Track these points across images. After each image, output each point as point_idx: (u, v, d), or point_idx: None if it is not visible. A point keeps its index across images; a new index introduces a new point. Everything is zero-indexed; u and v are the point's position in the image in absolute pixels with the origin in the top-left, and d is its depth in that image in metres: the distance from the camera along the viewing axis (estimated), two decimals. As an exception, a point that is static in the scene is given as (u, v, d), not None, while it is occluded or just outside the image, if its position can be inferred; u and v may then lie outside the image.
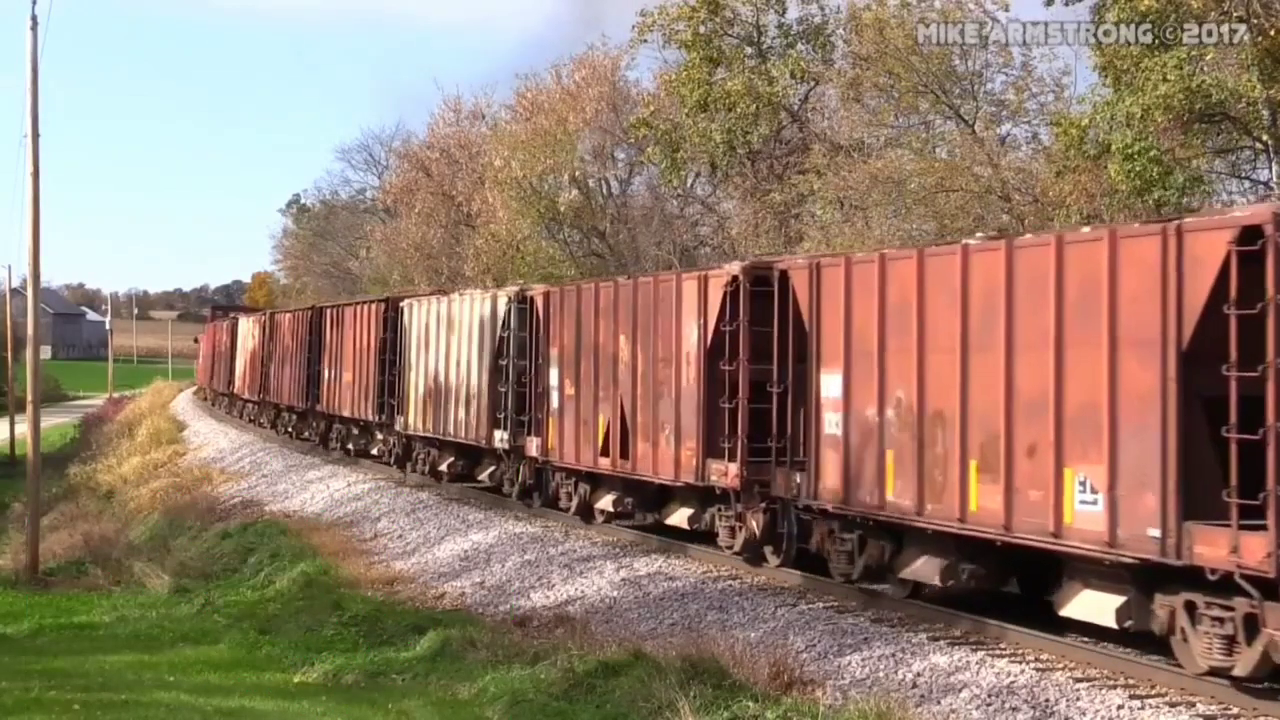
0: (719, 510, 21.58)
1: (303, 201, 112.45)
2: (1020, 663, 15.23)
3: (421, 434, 33.79)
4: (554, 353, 26.43)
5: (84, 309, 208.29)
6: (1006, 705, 14.03)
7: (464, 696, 16.51)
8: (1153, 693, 13.98)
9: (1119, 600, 14.74)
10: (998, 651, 15.81)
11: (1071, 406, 14.83)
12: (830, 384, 18.54)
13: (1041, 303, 15.22)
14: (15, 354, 77.93)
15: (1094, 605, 15.11)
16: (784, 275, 19.69)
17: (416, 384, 33.89)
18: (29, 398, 33.16)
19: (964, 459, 16.18)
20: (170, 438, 59.34)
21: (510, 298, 28.89)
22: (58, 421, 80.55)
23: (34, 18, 30.41)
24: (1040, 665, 15.15)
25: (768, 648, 16.40)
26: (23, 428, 43.97)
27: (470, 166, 57.57)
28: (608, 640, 17.80)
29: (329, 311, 44.17)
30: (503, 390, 28.72)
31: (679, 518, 22.97)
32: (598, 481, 25.66)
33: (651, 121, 42.80)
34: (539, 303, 27.33)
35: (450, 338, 31.81)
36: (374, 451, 38.92)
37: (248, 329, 59.78)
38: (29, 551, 29.38)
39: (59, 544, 31.58)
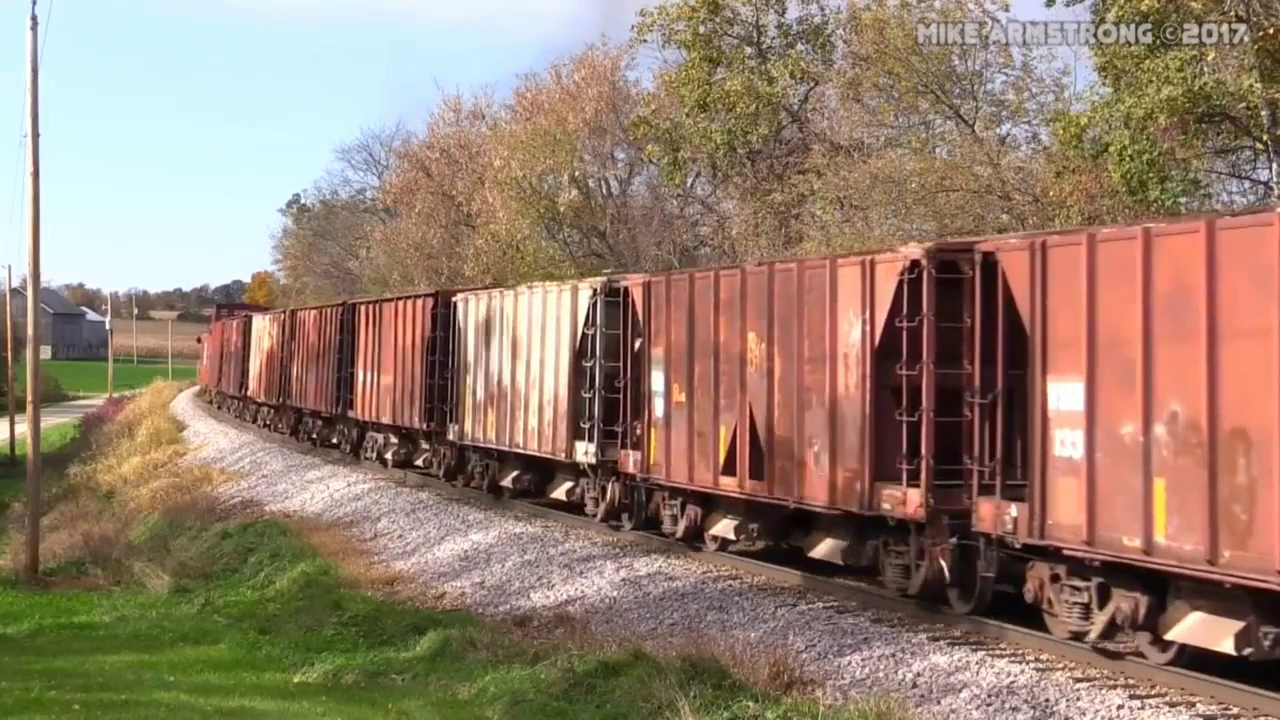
0: (886, 544, 18.09)
1: (303, 201, 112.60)
2: (1020, 663, 15.23)
3: (480, 444, 30.41)
4: (658, 353, 22.89)
5: (84, 309, 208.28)
6: (1006, 705, 14.03)
7: (464, 696, 16.51)
8: (1153, 693, 13.97)
9: None
10: (998, 651, 15.80)
11: None
12: (1063, 394, 14.92)
13: None
14: (15, 354, 77.89)
15: None
16: (989, 259, 16.17)
17: (474, 388, 30.57)
18: (29, 398, 33.13)
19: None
20: (170, 438, 59.31)
21: (596, 290, 25.50)
22: (58, 421, 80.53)
23: (34, 18, 30.38)
24: (1040, 665, 15.14)
25: (768, 648, 16.39)
26: (23, 428, 43.97)
27: (470, 166, 57.58)
28: (608, 640, 17.79)
29: (364, 308, 39.80)
30: (587, 396, 25.39)
31: (827, 550, 19.35)
32: (712, 504, 22.03)
33: (652, 120, 42.86)
34: (635, 295, 23.91)
35: (517, 336, 28.41)
36: (418, 463, 35.38)
37: (264, 328, 55.45)
38: (29, 551, 29.35)
39: (59, 544, 31.55)
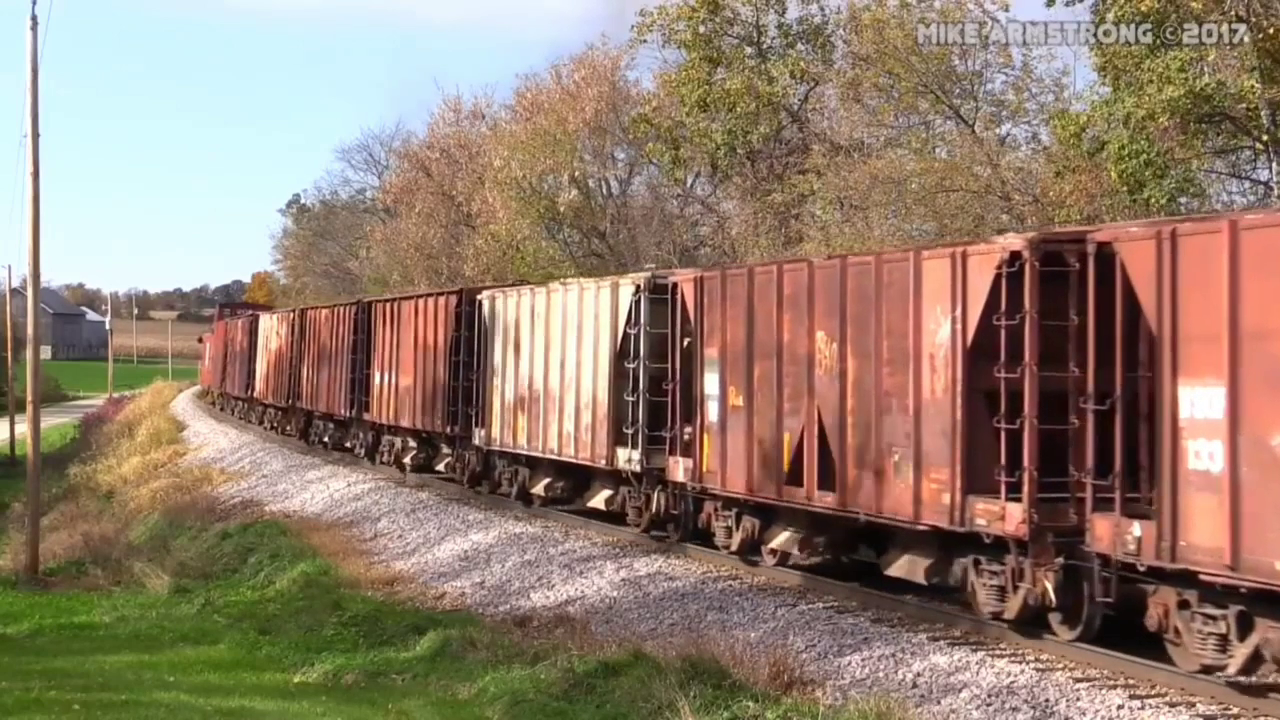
0: (978, 563, 16.53)
1: (303, 201, 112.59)
2: (1020, 663, 15.23)
3: (510, 450, 28.80)
4: (712, 353, 21.28)
5: (84, 309, 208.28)
6: (1006, 705, 14.03)
7: (464, 696, 16.51)
8: (1153, 693, 13.98)
9: None
10: (998, 651, 15.80)
11: None
12: (1198, 400, 13.46)
13: None
14: (15, 354, 77.92)
15: None
16: (1104, 250, 14.70)
17: (503, 391, 28.90)
18: (29, 398, 33.14)
19: None
20: (170, 438, 59.32)
21: (640, 286, 23.94)
22: (57, 421, 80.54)
23: (34, 18, 30.40)
24: (1040, 665, 15.14)
25: (768, 648, 16.40)
26: (23, 428, 43.97)
27: (470, 166, 57.63)
28: (608, 640, 17.79)
29: (381, 307, 38.02)
30: (630, 399, 23.83)
31: (905, 568, 17.86)
32: (771, 515, 20.48)
33: (652, 119, 42.89)
34: (685, 291, 22.21)
35: (551, 335, 26.84)
36: (439, 468, 33.76)
37: (271, 327, 53.45)
38: (29, 551, 29.35)
39: (59, 544, 31.57)
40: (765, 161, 41.14)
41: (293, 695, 17.34)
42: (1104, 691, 14.05)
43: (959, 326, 16.28)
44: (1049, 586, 15.34)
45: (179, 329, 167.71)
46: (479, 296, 30.75)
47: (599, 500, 25.74)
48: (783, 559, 20.49)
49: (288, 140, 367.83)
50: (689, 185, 47.96)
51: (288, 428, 50.24)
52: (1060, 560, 15.30)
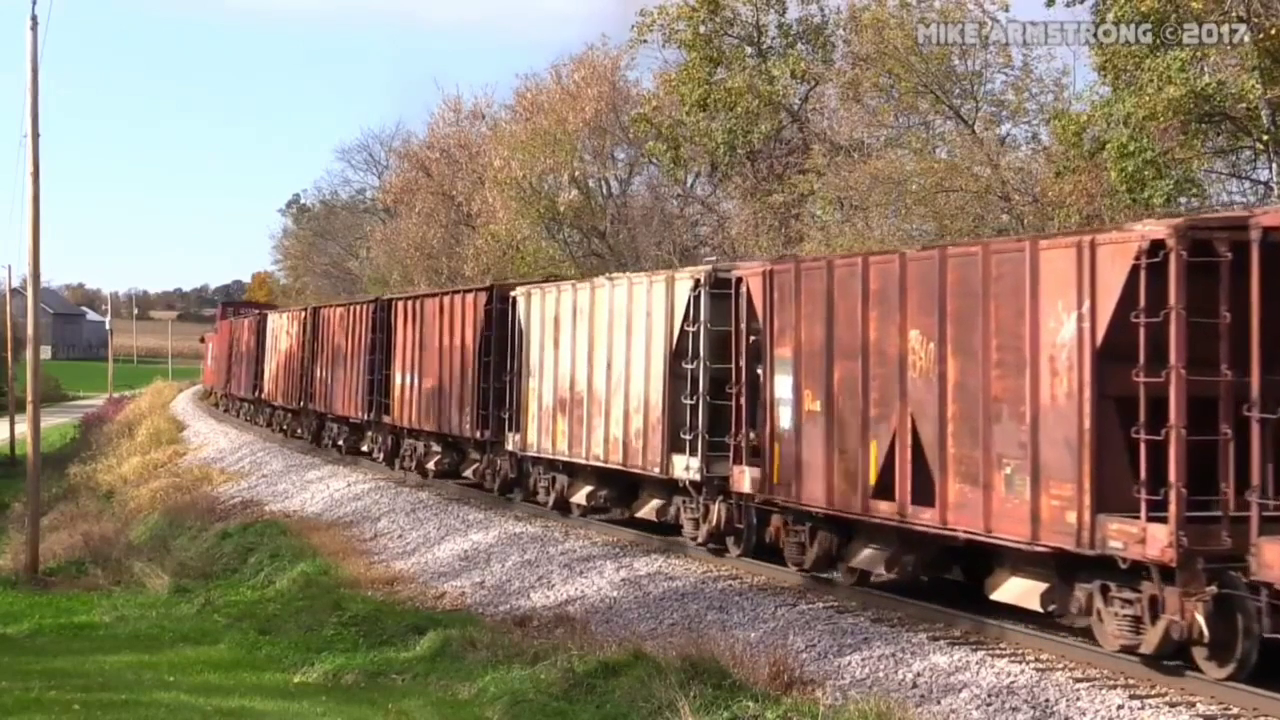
0: (1107, 590, 14.83)
1: (303, 201, 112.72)
2: (1020, 663, 15.23)
3: (547, 456, 27.21)
4: (784, 353, 19.56)
5: (84, 309, 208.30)
6: (1006, 705, 14.03)
7: (464, 696, 16.51)
8: (1153, 693, 13.97)
9: None
10: (998, 651, 15.80)
11: None
12: None
13: None
14: (15, 354, 77.94)
15: None
16: (1270, 236, 13.21)
17: (540, 393, 27.23)
18: (29, 398, 33.15)
19: None
20: (170, 438, 59.34)
21: (700, 280, 22.13)
22: (58, 421, 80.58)
23: (34, 18, 30.43)
24: (1040, 665, 15.14)
25: (768, 648, 16.39)
26: (23, 428, 43.97)
27: (470, 166, 57.65)
28: (608, 640, 17.79)
29: (402, 305, 36.36)
30: (689, 403, 22.10)
31: (1015, 592, 16.29)
32: (850, 530, 18.96)
33: (652, 119, 42.91)
34: (751, 286, 20.38)
35: (595, 334, 25.21)
36: (467, 474, 32.16)
37: (281, 326, 51.61)
38: (29, 551, 29.37)
39: (59, 544, 31.59)
40: (765, 161, 41.15)
41: (293, 695, 17.34)
42: (1104, 691, 14.05)
43: (1086, 325, 14.59)
44: (1200, 618, 13.68)
45: (179, 329, 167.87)
46: (512, 293, 29.08)
47: (648, 511, 24.07)
48: (862, 578, 18.92)
49: (288, 140, 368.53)
50: (689, 185, 48.00)
51: (298, 430, 48.93)
52: (1213, 589, 13.64)
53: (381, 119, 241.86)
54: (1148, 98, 25.78)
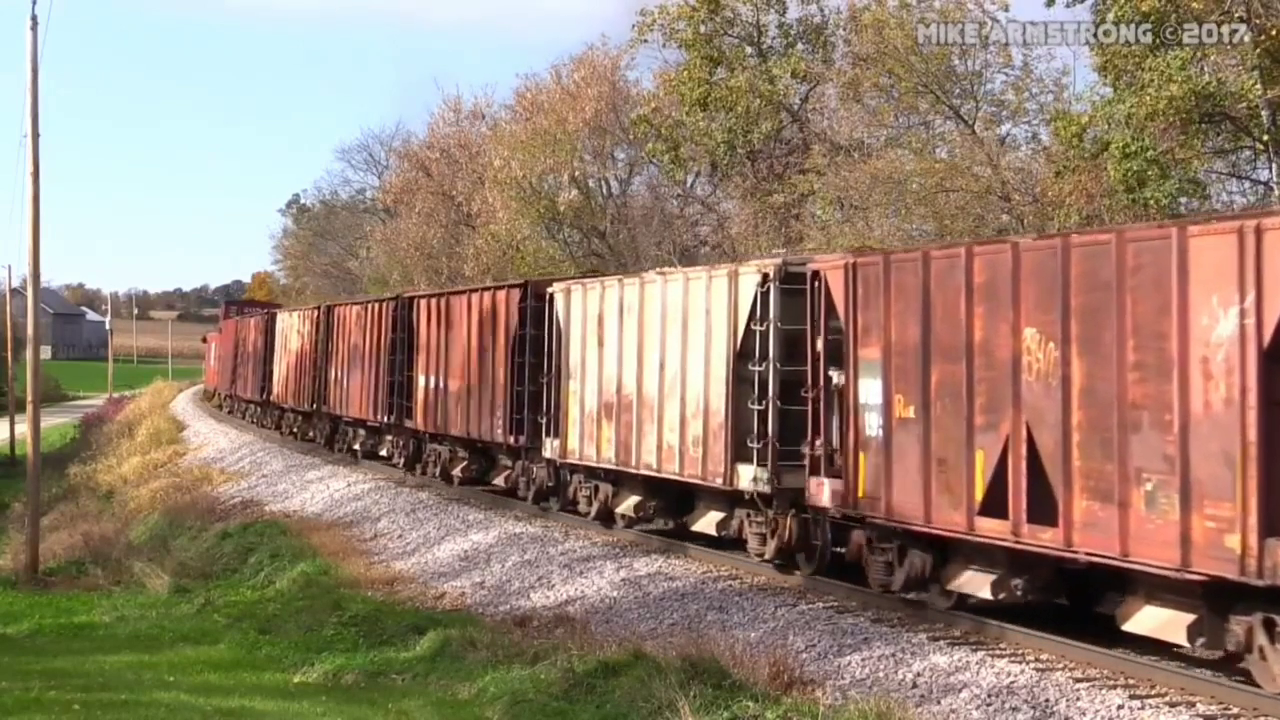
0: (1272, 624, 13.19)
1: (303, 201, 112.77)
2: (1020, 663, 15.23)
3: (590, 464, 25.35)
4: (870, 355, 17.77)
5: (84, 309, 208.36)
6: (1006, 705, 14.03)
7: (464, 696, 16.51)
8: (1153, 693, 13.97)
9: None
10: (998, 651, 15.80)
11: None
12: None
13: None
14: (15, 354, 77.94)
15: None
16: None
17: (582, 397, 25.36)
18: (29, 398, 33.16)
19: None
20: (170, 438, 59.34)
21: (769, 274, 20.08)
22: (58, 421, 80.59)
23: (34, 18, 30.42)
24: (1040, 665, 15.14)
25: (768, 648, 16.39)
26: (23, 428, 43.98)
27: (470, 166, 57.67)
28: (608, 640, 17.78)
29: (425, 303, 34.41)
30: (756, 408, 20.11)
31: (1154, 624, 14.58)
32: (947, 549, 17.16)
33: (652, 119, 42.92)
34: (830, 280, 18.54)
35: (646, 334, 23.33)
36: (497, 481, 30.48)
37: (292, 325, 49.65)
38: (29, 551, 29.36)
39: (59, 544, 31.59)
40: (765, 161, 41.18)
41: (293, 695, 17.34)
42: (1104, 691, 14.05)
43: (1250, 321, 12.80)
44: None
45: (179, 329, 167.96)
46: (549, 290, 27.07)
47: (707, 524, 22.21)
48: (960, 601, 17.22)
49: (288, 140, 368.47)
50: (689, 185, 48.01)
51: (310, 434, 47.17)
52: None
53: (381, 119, 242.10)
54: (1148, 97, 25.79)
